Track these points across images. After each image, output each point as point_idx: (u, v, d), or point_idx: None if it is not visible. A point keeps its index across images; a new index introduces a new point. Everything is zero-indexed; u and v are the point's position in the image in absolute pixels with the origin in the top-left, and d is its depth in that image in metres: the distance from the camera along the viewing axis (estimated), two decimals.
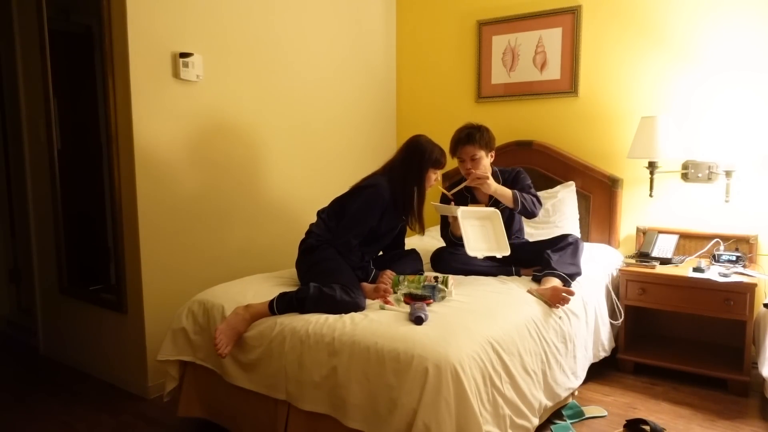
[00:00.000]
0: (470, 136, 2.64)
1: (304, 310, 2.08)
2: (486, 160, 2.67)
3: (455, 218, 2.57)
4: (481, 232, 2.54)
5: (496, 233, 2.55)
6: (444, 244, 2.85)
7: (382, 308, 2.11)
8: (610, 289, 2.88)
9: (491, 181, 2.59)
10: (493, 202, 2.71)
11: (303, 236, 2.48)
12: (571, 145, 3.40)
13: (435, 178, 2.52)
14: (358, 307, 2.10)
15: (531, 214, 2.67)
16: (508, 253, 2.52)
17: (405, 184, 2.46)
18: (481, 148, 2.64)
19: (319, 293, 2.09)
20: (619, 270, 2.89)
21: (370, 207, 2.41)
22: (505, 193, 2.61)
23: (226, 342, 2.05)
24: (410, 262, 2.60)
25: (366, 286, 2.32)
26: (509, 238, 2.58)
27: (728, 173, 2.90)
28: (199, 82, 2.77)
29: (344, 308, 2.07)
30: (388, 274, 2.37)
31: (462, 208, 2.55)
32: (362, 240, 2.43)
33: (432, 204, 2.72)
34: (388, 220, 2.49)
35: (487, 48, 3.64)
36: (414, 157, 2.47)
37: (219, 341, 2.04)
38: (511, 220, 2.78)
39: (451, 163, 3.05)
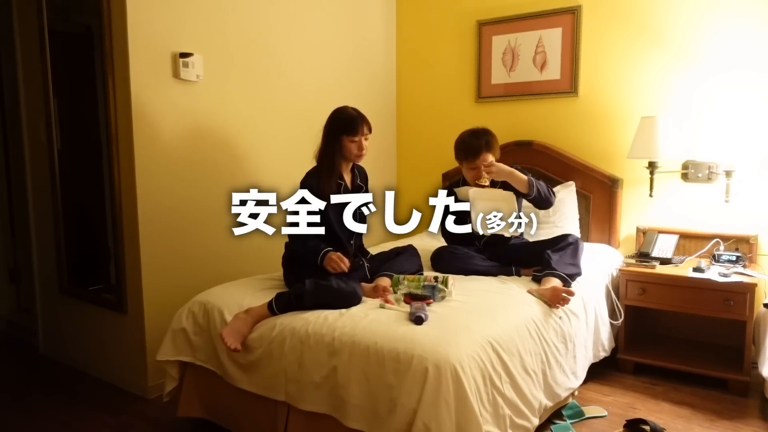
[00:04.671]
0: (487, 144, 2.66)
1: (303, 305, 2.08)
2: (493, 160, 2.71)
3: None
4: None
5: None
6: (444, 243, 2.85)
7: (382, 308, 2.10)
8: (610, 289, 2.87)
9: (500, 165, 2.62)
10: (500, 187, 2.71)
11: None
12: (571, 145, 3.39)
13: (357, 146, 2.40)
14: (356, 296, 2.10)
15: (546, 202, 2.66)
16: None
17: (324, 156, 2.42)
18: (493, 153, 2.69)
19: (315, 286, 2.10)
20: (619, 270, 2.89)
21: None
22: (519, 176, 2.61)
23: (233, 340, 2.05)
24: (408, 259, 2.56)
25: (365, 285, 2.31)
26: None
27: (728, 173, 2.89)
28: (199, 82, 2.77)
29: (342, 297, 2.07)
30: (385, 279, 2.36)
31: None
32: (327, 238, 2.36)
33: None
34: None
35: (487, 48, 3.64)
36: (326, 128, 2.45)
37: (227, 341, 2.04)
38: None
39: (452, 163, 3.05)
